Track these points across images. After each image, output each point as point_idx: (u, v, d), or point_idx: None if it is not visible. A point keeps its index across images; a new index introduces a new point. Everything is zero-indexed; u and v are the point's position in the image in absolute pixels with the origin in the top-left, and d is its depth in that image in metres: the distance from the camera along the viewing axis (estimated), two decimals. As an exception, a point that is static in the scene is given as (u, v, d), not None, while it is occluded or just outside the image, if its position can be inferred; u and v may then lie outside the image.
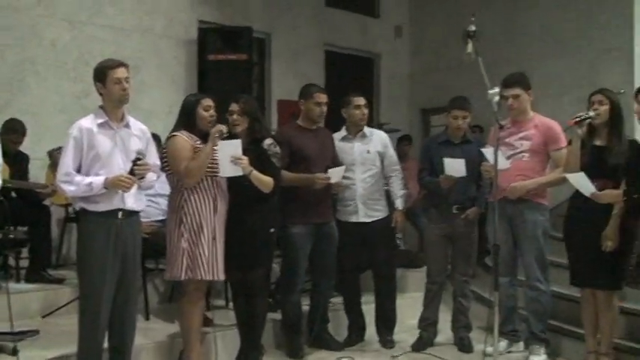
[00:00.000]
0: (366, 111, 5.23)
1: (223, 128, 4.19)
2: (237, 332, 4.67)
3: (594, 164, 4.33)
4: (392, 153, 5.38)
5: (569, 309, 5.12)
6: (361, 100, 5.22)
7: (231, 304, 5.11)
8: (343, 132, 5.29)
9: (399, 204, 5.24)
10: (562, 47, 7.99)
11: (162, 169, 4.23)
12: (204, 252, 4.16)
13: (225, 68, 7.26)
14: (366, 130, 5.29)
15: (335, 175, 4.84)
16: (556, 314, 5.17)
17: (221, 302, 5.57)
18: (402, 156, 6.94)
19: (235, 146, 4.20)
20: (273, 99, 8.26)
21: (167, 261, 4.29)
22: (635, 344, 4.70)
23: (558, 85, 7.80)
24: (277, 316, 5.07)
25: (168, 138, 4.28)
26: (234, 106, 4.47)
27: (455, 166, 4.89)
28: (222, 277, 4.29)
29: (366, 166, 5.20)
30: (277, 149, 4.53)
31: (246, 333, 4.60)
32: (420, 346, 5.22)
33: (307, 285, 5.22)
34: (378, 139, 5.31)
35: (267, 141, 4.49)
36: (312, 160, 4.91)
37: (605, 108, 4.37)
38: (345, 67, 9.19)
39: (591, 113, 4.35)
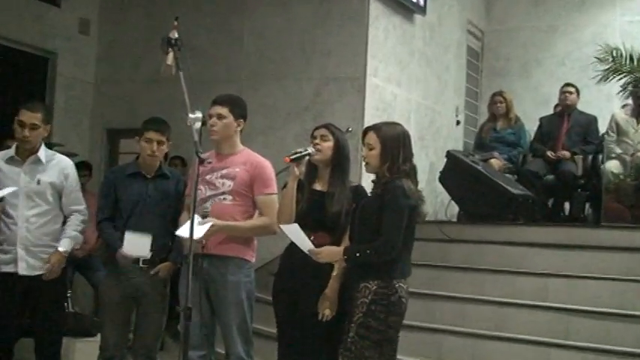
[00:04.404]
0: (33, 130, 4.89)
1: None
2: None
3: (313, 212, 4.38)
4: (75, 186, 5.10)
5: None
6: (24, 114, 4.87)
7: None
8: (11, 151, 4.93)
9: (62, 245, 4.97)
10: (284, 70, 8.19)
11: None
12: None
13: None
14: (42, 152, 4.93)
15: None
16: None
17: None
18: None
19: None
20: None
21: None
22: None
23: (279, 115, 8.06)
24: None
25: None
26: None
27: (137, 242, 4.77)
28: None
29: (32, 201, 4.90)
30: None
31: None
32: None
33: None
34: (57, 167, 5.00)
35: None
36: None
37: (328, 145, 4.44)
38: (9, 64, 8.58)
39: (310, 149, 4.41)
